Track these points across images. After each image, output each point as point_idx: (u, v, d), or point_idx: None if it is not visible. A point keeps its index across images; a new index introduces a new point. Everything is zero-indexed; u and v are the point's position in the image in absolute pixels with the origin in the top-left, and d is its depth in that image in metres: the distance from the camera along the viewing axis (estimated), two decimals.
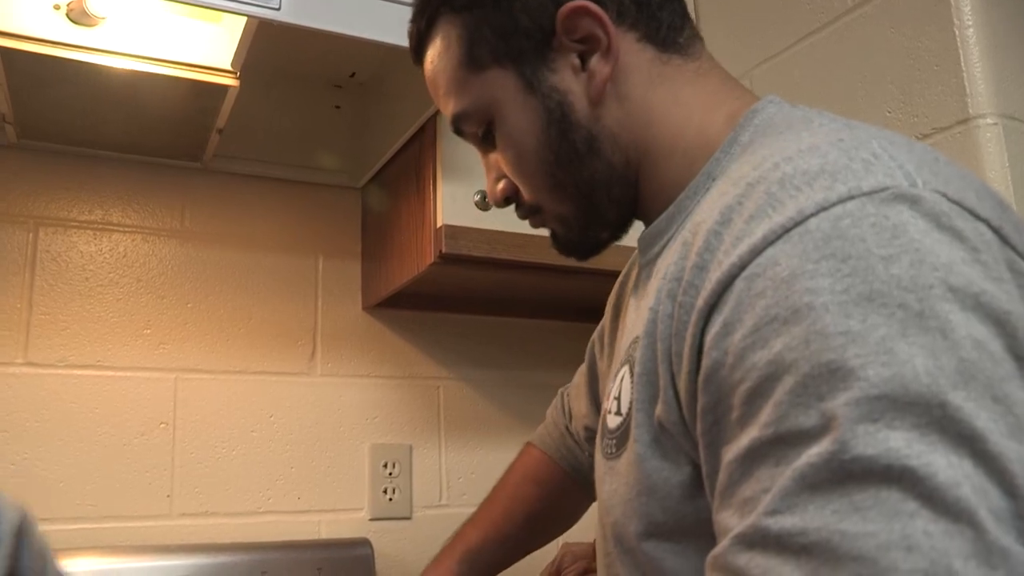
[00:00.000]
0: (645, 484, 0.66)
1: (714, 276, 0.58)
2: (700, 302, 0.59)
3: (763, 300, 0.53)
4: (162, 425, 1.45)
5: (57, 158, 1.46)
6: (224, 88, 1.25)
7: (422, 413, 1.66)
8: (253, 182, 1.60)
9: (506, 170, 0.80)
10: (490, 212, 1.37)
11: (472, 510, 1.62)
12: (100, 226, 1.48)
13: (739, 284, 0.55)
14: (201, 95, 1.28)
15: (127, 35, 1.18)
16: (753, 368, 0.53)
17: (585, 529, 1.61)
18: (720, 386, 0.56)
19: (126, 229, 1.49)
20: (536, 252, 1.37)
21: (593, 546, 1.50)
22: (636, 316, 0.75)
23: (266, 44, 1.14)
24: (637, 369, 0.67)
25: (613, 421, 0.72)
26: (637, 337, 0.70)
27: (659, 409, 0.65)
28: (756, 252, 0.55)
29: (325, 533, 1.53)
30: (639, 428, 0.67)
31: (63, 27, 1.15)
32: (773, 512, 0.49)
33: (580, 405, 1.08)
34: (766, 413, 0.51)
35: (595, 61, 0.74)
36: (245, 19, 1.10)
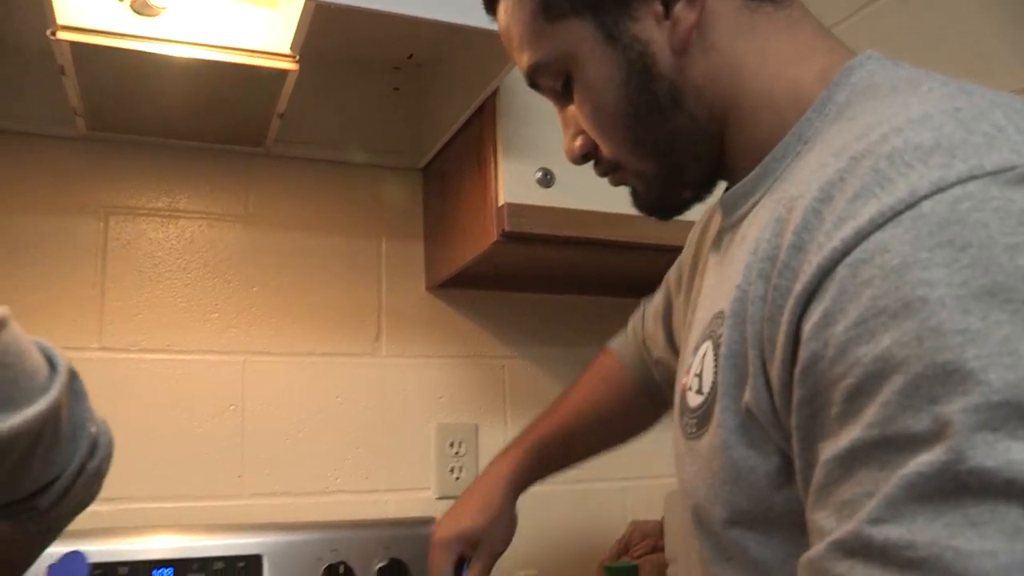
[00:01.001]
0: (730, 472, 0.64)
1: (814, 259, 0.54)
2: (798, 287, 0.55)
3: (870, 290, 0.50)
4: (231, 407, 1.48)
5: (125, 148, 1.49)
6: (283, 73, 1.26)
7: (487, 392, 1.66)
8: (315, 166, 1.60)
9: (584, 125, 0.76)
10: (553, 189, 1.35)
11: (539, 488, 1.63)
12: (167, 213, 1.50)
13: (842, 271, 0.52)
14: (261, 81, 1.28)
15: (188, 24, 1.20)
16: (857, 363, 0.50)
17: (651, 506, 1.61)
18: (819, 379, 0.53)
19: (192, 215, 1.51)
20: (599, 229, 1.35)
21: (661, 524, 1.49)
22: (719, 285, 0.72)
23: (324, 28, 1.14)
24: (723, 350, 0.65)
25: (694, 400, 0.69)
26: (721, 312, 0.67)
27: (747, 395, 0.62)
28: (862, 236, 0.51)
29: (393, 512, 1.54)
30: (724, 412, 0.64)
31: (127, 19, 1.17)
32: (877, 520, 0.47)
33: (656, 332, 1.07)
34: (871, 413, 0.49)
35: (680, 8, 0.69)
36: (303, 3, 1.10)
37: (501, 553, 1.12)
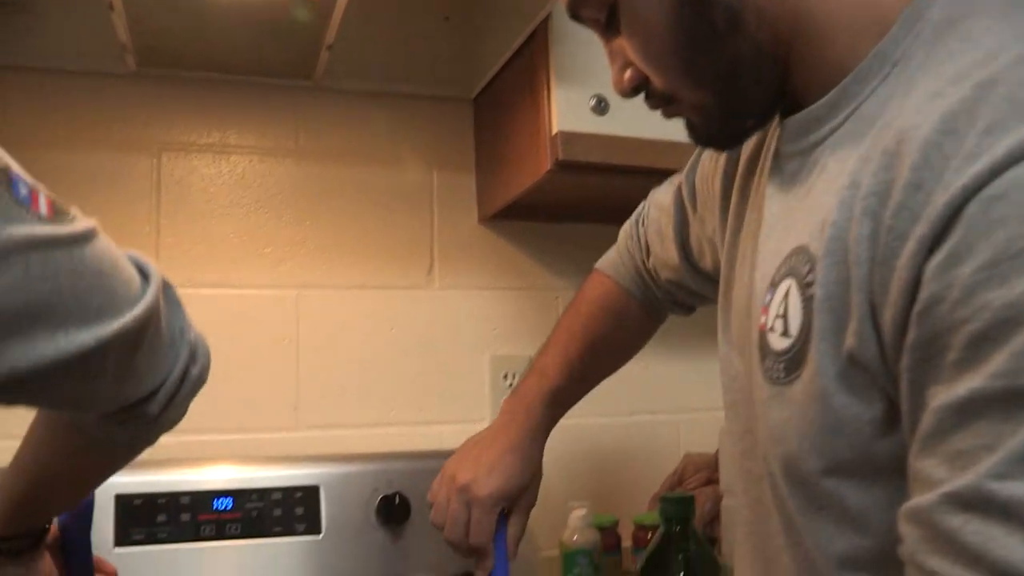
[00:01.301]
0: (830, 420, 0.60)
1: (939, 199, 0.50)
2: (921, 229, 0.51)
3: (1004, 230, 0.47)
4: (286, 341, 1.50)
5: (175, 84, 1.49)
6: (331, 3, 1.24)
7: (541, 324, 1.65)
8: (364, 98, 1.59)
9: (633, 57, 0.72)
10: (607, 117, 1.32)
11: (591, 420, 1.63)
12: (218, 149, 1.50)
13: (972, 208, 0.48)
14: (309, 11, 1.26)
15: None
16: (984, 308, 0.47)
17: (704, 438, 1.60)
18: (937, 322, 0.50)
19: (243, 151, 1.51)
20: (655, 157, 1.32)
21: (715, 457, 1.48)
22: (792, 217, 0.68)
23: None
24: (818, 292, 0.61)
25: (779, 343, 0.66)
26: (802, 248, 0.63)
27: (850, 341, 0.58)
28: (997, 172, 0.48)
29: (447, 444, 1.55)
30: (822, 359, 0.60)
31: None
32: (1000, 476, 0.45)
33: (663, 250, 1.03)
34: (996, 362, 0.46)
35: None
36: None
37: (532, 507, 1.10)
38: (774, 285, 0.67)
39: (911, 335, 0.53)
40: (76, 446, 0.80)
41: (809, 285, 0.62)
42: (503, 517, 1.06)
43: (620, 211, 1.63)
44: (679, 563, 1.05)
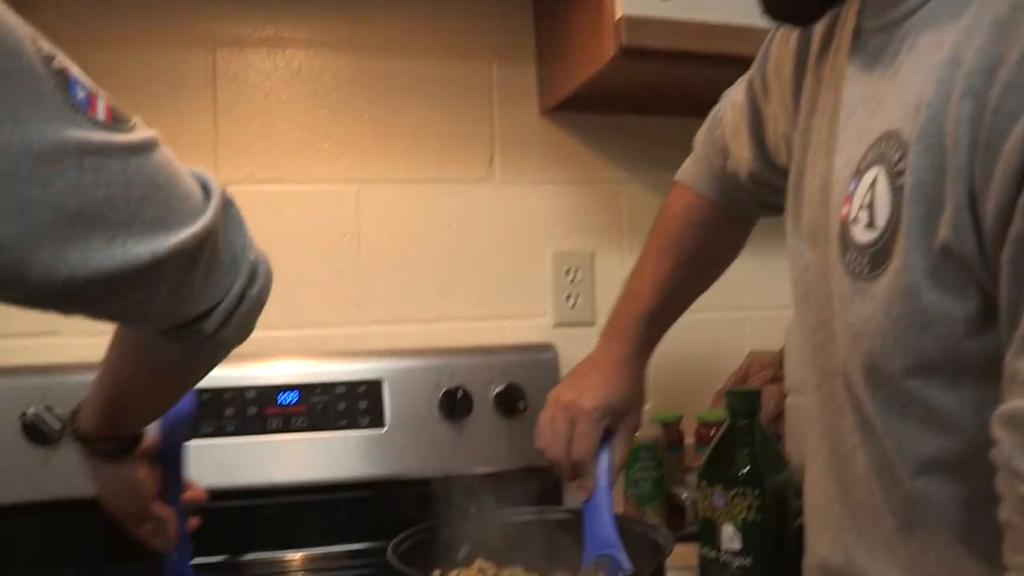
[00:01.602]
0: (918, 317, 0.57)
1: None
2: None
3: None
4: (346, 236, 1.49)
5: None
6: None
7: (604, 219, 1.62)
8: None
9: None
10: (674, 0, 1.26)
11: None
12: (273, 43, 1.47)
13: None
14: None
15: None
16: None
17: (769, 336, 1.57)
18: None
19: (299, 44, 1.48)
20: (723, 42, 1.26)
21: (779, 355, 1.46)
22: (879, 99, 0.64)
23: None
24: (909, 180, 0.57)
25: (864, 235, 0.62)
26: (893, 133, 0.59)
27: (944, 232, 0.55)
28: None
29: (509, 339, 1.55)
30: (911, 252, 0.57)
31: None
32: None
33: (740, 147, 0.99)
34: None
35: None
36: None
37: (637, 430, 1.09)
38: (859, 173, 0.63)
39: (1016, 226, 0.49)
40: (143, 360, 0.82)
41: (900, 174, 0.58)
42: (607, 438, 1.05)
43: (686, 102, 1.58)
44: (744, 457, 1.04)
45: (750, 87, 0.96)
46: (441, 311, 1.53)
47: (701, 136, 1.10)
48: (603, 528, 1.02)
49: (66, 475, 1.27)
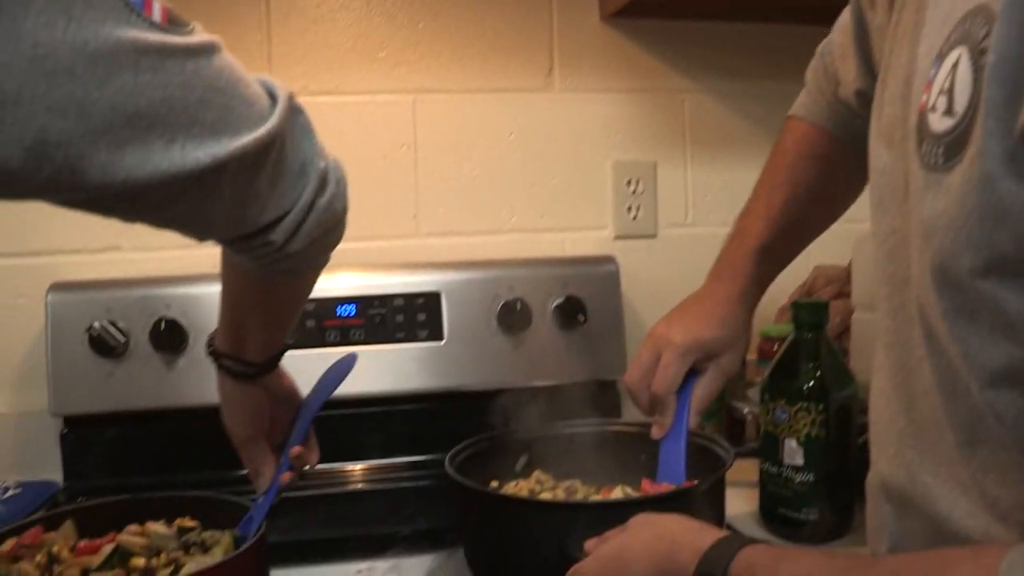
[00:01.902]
0: (992, 209, 0.52)
1: None
2: None
3: None
4: (403, 147, 1.47)
5: None
6: None
7: (666, 128, 1.58)
8: None
9: None
10: None
11: (720, 229, 1.55)
12: None
13: None
14: None
15: None
16: None
17: (835, 250, 1.52)
18: None
19: None
20: None
21: (847, 270, 1.41)
22: None
23: None
24: (991, 58, 0.52)
25: (941, 123, 0.57)
26: (982, 7, 0.54)
27: None
28: None
29: (569, 251, 1.53)
30: (989, 138, 0.52)
31: None
32: None
33: (847, 67, 0.93)
34: None
35: None
36: None
37: (731, 375, 1.04)
38: (941, 56, 0.58)
39: None
40: (231, 276, 0.83)
41: (984, 52, 0.53)
42: (694, 375, 1.01)
43: (752, 7, 1.52)
44: (809, 371, 1.01)
45: (856, 3, 0.90)
46: (499, 223, 1.51)
47: (812, 66, 1.04)
48: (675, 468, 1.00)
49: (131, 387, 1.30)
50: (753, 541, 0.65)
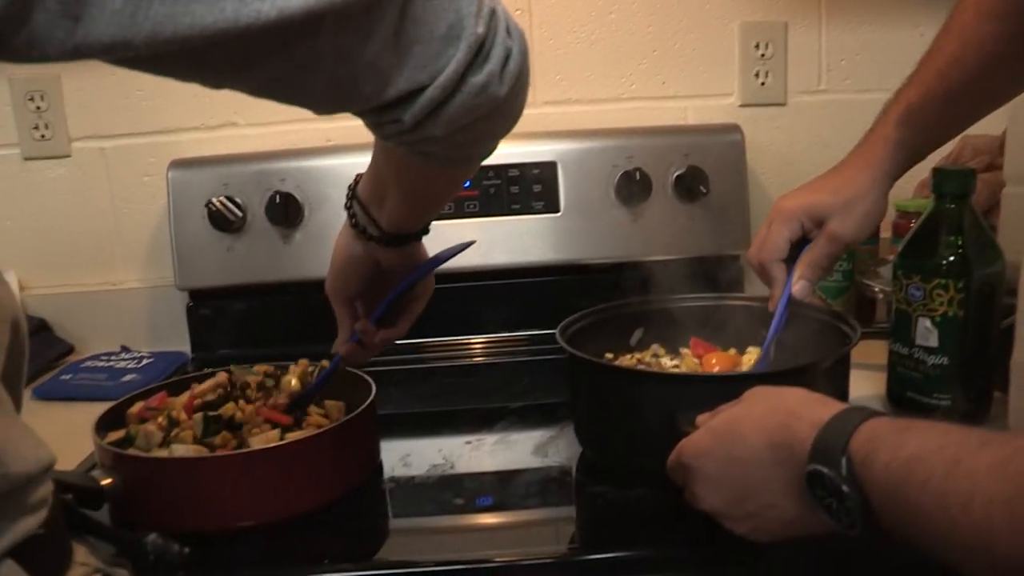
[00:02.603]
0: None
1: None
2: None
3: None
4: (518, 12, 1.40)
5: None
6: None
7: None
8: None
9: None
10: None
11: (857, 96, 1.46)
12: None
13: None
14: None
15: None
16: None
17: (987, 119, 1.40)
18: None
19: None
20: None
21: (999, 140, 1.30)
22: None
23: None
24: None
25: None
26: None
27: None
28: None
29: (692, 119, 1.45)
30: None
31: None
32: None
33: None
34: None
35: None
36: None
37: (850, 242, 0.96)
38: None
39: None
40: (377, 148, 0.77)
41: None
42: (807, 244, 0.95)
43: None
44: (949, 245, 0.93)
45: None
46: (619, 90, 1.44)
47: None
48: (774, 324, 0.95)
49: (250, 261, 1.32)
50: (878, 414, 0.60)
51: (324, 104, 0.59)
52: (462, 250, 0.91)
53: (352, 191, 0.86)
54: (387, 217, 0.84)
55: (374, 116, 0.60)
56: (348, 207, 0.86)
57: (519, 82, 0.61)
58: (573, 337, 0.96)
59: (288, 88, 0.56)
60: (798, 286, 0.95)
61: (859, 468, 0.57)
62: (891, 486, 0.55)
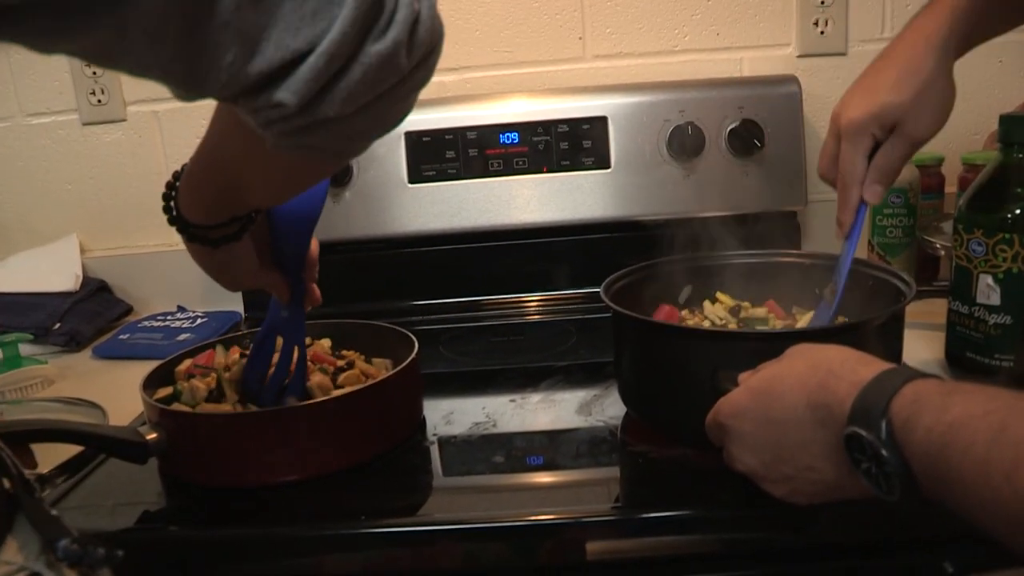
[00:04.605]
0: None
1: None
2: None
3: None
4: None
5: None
6: None
7: None
8: None
9: None
10: None
11: None
12: None
13: None
14: None
15: None
16: None
17: None
18: None
19: None
20: None
21: None
22: None
23: None
24: None
25: None
26: None
27: None
28: None
29: (747, 71, 1.41)
30: None
31: None
32: None
33: None
34: None
35: None
36: None
37: (927, 139, 0.87)
38: None
39: None
40: (238, 140, 0.61)
41: None
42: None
43: None
44: (1015, 197, 0.88)
45: None
46: (671, 42, 1.40)
47: None
48: (843, 260, 0.91)
49: (352, 217, 1.32)
50: (923, 375, 0.57)
51: (182, 79, 0.49)
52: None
53: (181, 221, 0.74)
54: (250, 207, 0.74)
55: (249, 99, 0.50)
56: (190, 238, 0.74)
57: (431, 57, 0.53)
58: (618, 294, 0.94)
59: (130, 57, 0.46)
60: (871, 191, 0.88)
61: (899, 432, 0.54)
62: (932, 452, 0.52)
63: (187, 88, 0.49)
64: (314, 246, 0.87)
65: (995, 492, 0.48)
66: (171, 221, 0.74)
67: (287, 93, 0.48)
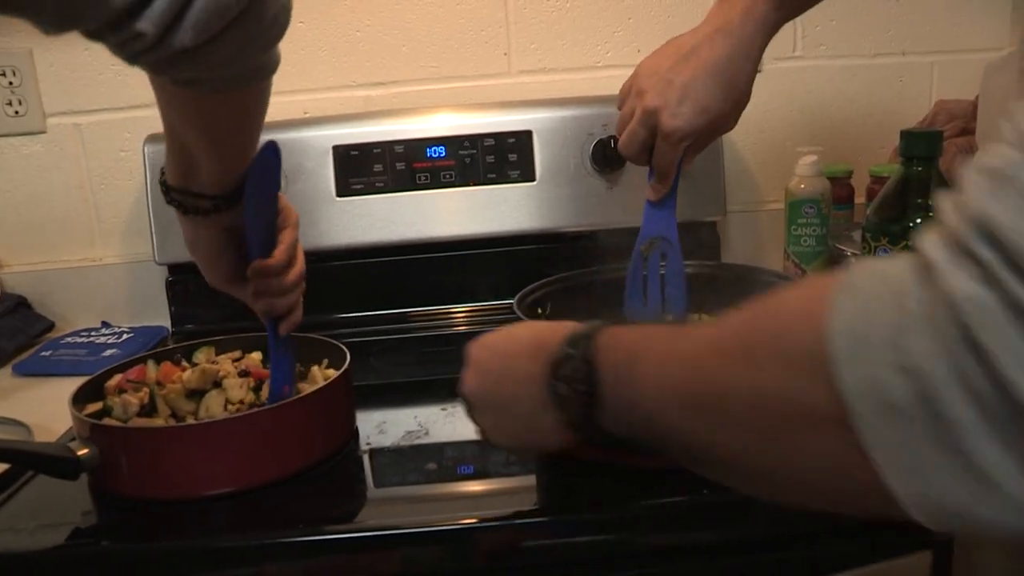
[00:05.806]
0: None
1: None
2: None
3: None
4: None
5: None
6: None
7: None
8: None
9: None
10: None
11: (831, 63, 1.47)
12: None
13: None
14: None
15: None
16: None
17: (961, 84, 1.41)
18: None
19: None
20: None
21: (973, 104, 1.31)
22: None
23: None
24: None
25: None
26: None
27: None
28: None
29: None
30: None
31: None
32: None
33: None
34: None
35: None
36: None
37: (727, 131, 0.97)
38: None
39: None
40: (156, 86, 0.72)
41: None
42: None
43: None
44: (916, 208, 0.94)
45: None
46: (593, 58, 1.44)
47: None
48: (665, 218, 1.00)
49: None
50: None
51: (50, 14, 0.54)
52: (272, 153, 0.82)
53: (164, 185, 0.82)
54: (207, 181, 0.79)
55: (114, 34, 0.56)
56: (169, 201, 0.82)
57: None
58: (531, 306, 0.97)
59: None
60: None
61: (599, 353, 0.58)
62: (620, 366, 0.57)
63: (59, 21, 0.54)
64: (299, 264, 0.89)
65: (674, 379, 0.51)
66: (163, 190, 0.82)
67: (146, 23, 0.54)
